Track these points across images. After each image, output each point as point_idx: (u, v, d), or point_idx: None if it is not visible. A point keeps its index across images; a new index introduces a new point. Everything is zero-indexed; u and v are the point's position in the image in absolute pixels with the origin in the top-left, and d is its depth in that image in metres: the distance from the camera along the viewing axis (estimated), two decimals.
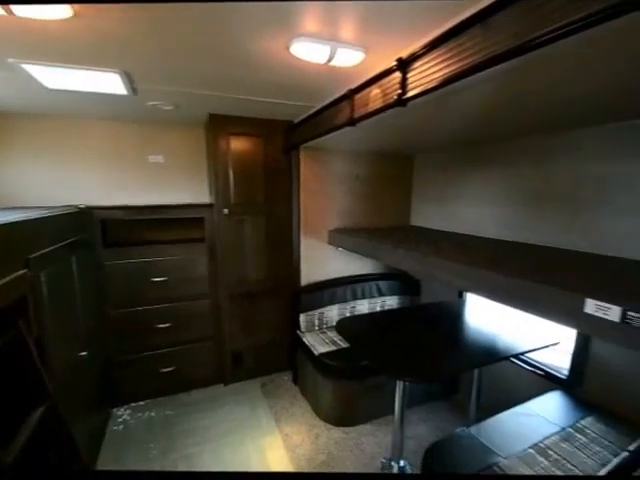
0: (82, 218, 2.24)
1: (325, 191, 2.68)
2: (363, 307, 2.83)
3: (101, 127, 2.55)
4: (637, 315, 0.79)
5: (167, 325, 2.59)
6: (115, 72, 1.53)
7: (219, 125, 2.45)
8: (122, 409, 2.53)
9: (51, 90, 1.76)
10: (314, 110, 2.14)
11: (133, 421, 2.42)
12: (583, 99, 1.25)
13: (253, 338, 2.84)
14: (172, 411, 2.51)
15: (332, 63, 1.36)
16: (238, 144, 2.54)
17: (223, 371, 2.81)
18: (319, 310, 2.67)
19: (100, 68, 1.49)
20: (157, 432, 2.30)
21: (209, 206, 2.63)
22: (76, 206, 2.26)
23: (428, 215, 2.84)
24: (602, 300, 0.86)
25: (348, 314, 2.76)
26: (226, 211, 2.56)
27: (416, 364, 1.65)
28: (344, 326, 2.11)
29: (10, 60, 1.37)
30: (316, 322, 2.68)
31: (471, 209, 2.38)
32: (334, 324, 2.69)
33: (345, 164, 2.72)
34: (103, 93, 1.84)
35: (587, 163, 1.66)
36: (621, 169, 1.53)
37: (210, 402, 2.61)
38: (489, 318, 2.18)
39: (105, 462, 2.04)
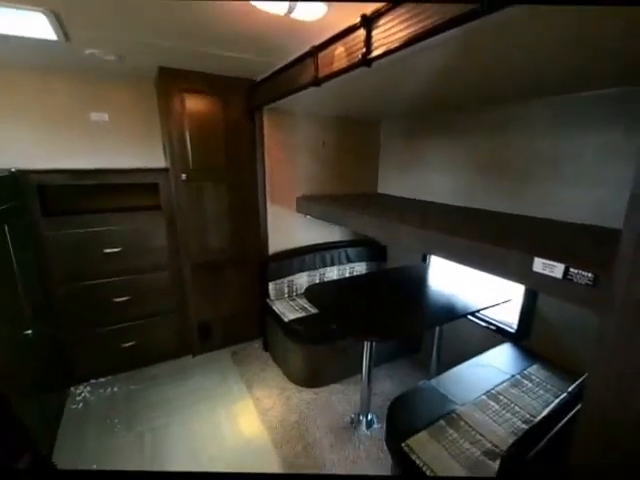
0: (13, 183, 1.96)
1: (291, 157, 2.57)
2: (332, 274, 2.85)
3: (32, 79, 2.17)
4: (577, 271, 0.83)
5: (125, 299, 2.44)
6: (39, 11, 1.26)
7: (171, 80, 2.20)
8: (81, 387, 2.40)
9: None
10: (277, 68, 1.98)
11: (94, 398, 2.32)
12: (531, 70, 1.26)
13: (221, 308, 2.77)
14: (136, 385, 2.44)
15: (293, 15, 1.24)
16: (194, 104, 2.31)
17: (190, 343, 2.75)
18: (288, 278, 2.65)
19: (20, 5, 1.22)
20: (121, 407, 2.23)
21: (164, 171, 2.42)
22: (8, 169, 1.96)
23: (394, 182, 2.85)
24: (548, 259, 0.91)
25: (317, 281, 2.77)
26: (184, 177, 2.37)
27: (381, 325, 1.71)
28: (312, 293, 2.11)
29: None
30: (285, 290, 2.66)
31: (434, 177, 2.41)
32: (303, 291, 2.71)
33: (311, 129, 2.61)
34: (27, 37, 1.54)
35: (537, 135, 1.72)
36: (568, 142, 1.60)
37: (178, 374, 2.56)
38: (449, 280, 2.30)
39: (64, 441, 1.96)
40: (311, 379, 2.36)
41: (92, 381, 2.46)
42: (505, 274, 1.09)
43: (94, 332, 2.39)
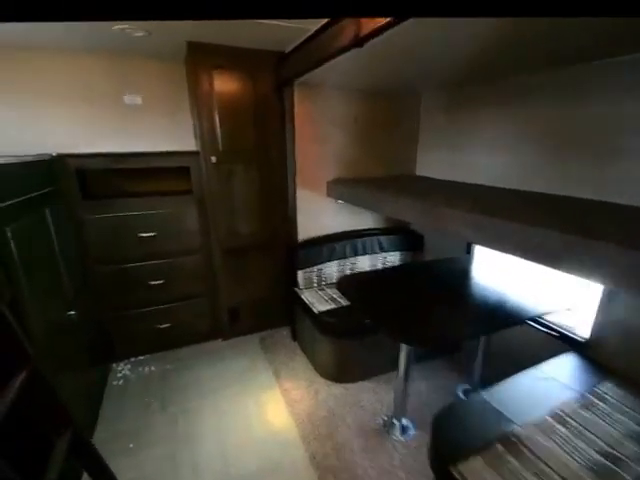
0: (54, 167, 2.02)
1: (322, 137, 2.39)
2: (364, 263, 2.68)
3: (67, 61, 2.19)
4: None
5: (160, 282, 2.48)
6: None
7: (199, 56, 2.09)
8: (122, 364, 2.53)
9: None
10: (309, 34, 1.78)
11: (133, 375, 2.42)
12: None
13: (249, 293, 2.75)
14: (171, 365, 2.51)
15: None
16: (223, 81, 2.20)
17: (220, 326, 2.78)
18: (317, 267, 2.53)
19: None
20: (156, 386, 2.31)
21: (195, 154, 2.36)
22: (49, 154, 2.02)
23: (435, 163, 2.56)
24: None
25: (348, 271, 2.63)
26: (214, 159, 2.30)
27: (421, 327, 1.53)
28: (345, 284, 1.98)
29: None
30: (314, 279, 2.55)
31: (483, 156, 2.10)
32: (334, 281, 2.59)
33: (343, 105, 2.39)
34: None
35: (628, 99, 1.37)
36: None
37: (209, 356, 2.60)
38: (499, 276, 2.03)
39: (106, 416, 2.06)
40: (340, 374, 2.26)
41: (132, 359, 2.57)
42: (584, 271, 0.90)
43: (132, 313, 2.48)
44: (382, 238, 2.72)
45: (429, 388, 2.19)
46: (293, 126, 2.27)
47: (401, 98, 2.52)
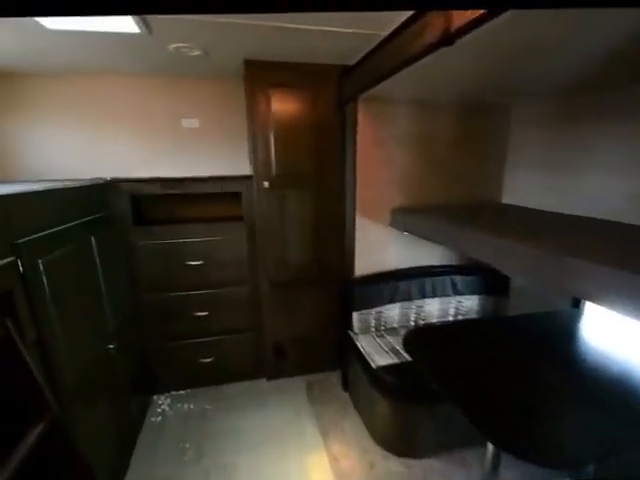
0: (106, 192, 1.98)
1: (387, 158, 2.06)
2: (432, 308, 2.25)
3: (124, 85, 2.20)
4: None
5: (204, 313, 2.33)
6: None
7: (257, 74, 1.95)
8: (162, 397, 2.39)
9: (53, 32, 1.40)
10: (381, 39, 1.51)
11: (172, 412, 2.26)
12: None
13: (297, 330, 2.47)
14: (211, 405, 2.31)
15: None
16: (280, 99, 2.02)
17: (264, 364, 2.53)
18: (376, 309, 2.16)
19: None
20: (194, 429, 2.11)
21: (248, 178, 2.20)
22: (103, 179, 2.00)
23: (530, 189, 2.07)
24: None
25: (413, 316, 2.22)
26: (266, 184, 2.11)
27: (523, 426, 1.09)
28: (414, 344, 1.59)
29: None
30: (372, 322, 2.19)
31: (601, 181, 1.60)
32: (395, 326, 2.20)
33: (414, 122, 2.05)
34: (110, 33, 1.45)
35: None
36: None
37: (250, 399, 2.35)
38: (625, 341, 1.48)
39: (140, 456, 1.91)
40: (402, 446, 1.84)
41: (172, 392, 2.43)
42: None
43: (175, 344, 2.35)
44: (456, 278, 2.27)
45: (517, 478, 1.66)
46: (355, 147, 1.99)
47: (485, 111, 2.11)
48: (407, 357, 1.89)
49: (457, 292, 2.27)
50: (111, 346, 1.75)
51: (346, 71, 1.94)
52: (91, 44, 1.61)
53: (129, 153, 2.30)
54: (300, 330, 2.48)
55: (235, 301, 2.38)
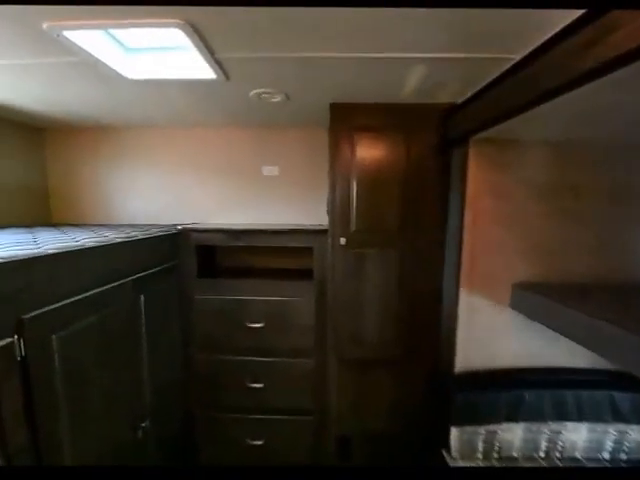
0: (173, 241, 1.87)
1: (509, 214, 1.54)
2: (577, 436, 1.48)
3: (210, 136, 2.23)
4: None
5: (260, 385, 1.97)
6: (175, 25, 0.94)
7: (342, 118, 1.70)
8: None
9: (133, 82, 1.37)
10: (510, 64, 1.12)
11: None
12: None
13: (369, 425, 1.93)
14: None
15: None
16: (368, 145, 1.72)
17: (324, 460, 2.00)
18: (488, 427, 1.50)
19: (153, 19, 0.93)
20: None
21: (323, 232, 1.89)
22: (173, 226, 1.92)
23: None
24: None
25: (544, 444, 1.48)
26: (343, 241, 1.76)
27: None
28: None
29: (45, 26, 0.94)
30: (480, 445, 1.52)
31: None
32: (515, 455, 1.50)
33: (550, 166, 1.51)
34: (187, 80, 1.37)
35: None
36: None
37: None
38: None
39: None
40: None
41: None
42: None
43: (223, 417, 2.02)
44: (618, 395, 1.48)
45: None
46: (464, 198, 1.53)
47: None
48: None
49: (618, 416, 1.47)
50: (143, 424, 1.48)
51: (453, 109, 1.57)
52: (173, 95, 1.58)
53: (208, 200, 2.27)
54: (373, 425, 1.92)
55: (296, 376, 1.98)
